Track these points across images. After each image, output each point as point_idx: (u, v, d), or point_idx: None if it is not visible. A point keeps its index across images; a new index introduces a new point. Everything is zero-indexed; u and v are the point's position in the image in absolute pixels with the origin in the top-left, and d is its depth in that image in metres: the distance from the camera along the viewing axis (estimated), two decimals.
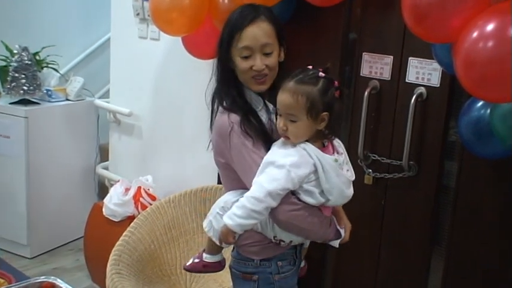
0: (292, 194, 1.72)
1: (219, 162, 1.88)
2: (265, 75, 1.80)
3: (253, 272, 1.87)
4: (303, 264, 2.04)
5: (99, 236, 3.23)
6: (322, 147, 1.73)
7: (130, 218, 3.01)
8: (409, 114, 2.23)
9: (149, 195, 3.15)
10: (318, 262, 2.68)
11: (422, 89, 2.25)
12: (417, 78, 2.26)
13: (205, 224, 1.90)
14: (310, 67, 1.72)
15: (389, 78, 2.33)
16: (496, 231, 2.14)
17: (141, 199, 3.11)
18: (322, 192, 1.73)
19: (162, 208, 2.79)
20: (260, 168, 1.70)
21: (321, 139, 1.74)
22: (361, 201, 2.47)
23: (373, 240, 2.47)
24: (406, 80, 2.29)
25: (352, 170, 1.81)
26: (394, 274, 2.45)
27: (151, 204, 3.00)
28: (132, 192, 3.14)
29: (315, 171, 1.68)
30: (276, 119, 1.74)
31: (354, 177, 1.80)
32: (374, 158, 2.41)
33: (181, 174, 3.21)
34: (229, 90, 1.84)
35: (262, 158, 1.71)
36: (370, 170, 2.41)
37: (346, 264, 2.60)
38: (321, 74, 1.69)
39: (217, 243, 1.85)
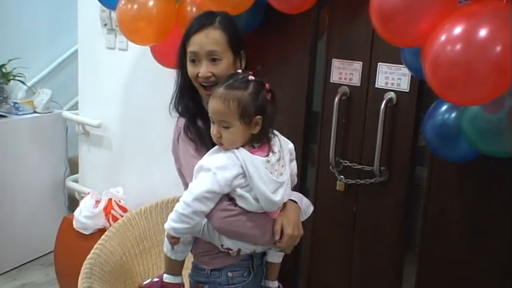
0: (229, 200, 1.71)
1: (177, 169, 1.91)
2: (212, 83, 1.79)
3: (204, 281, 1.87)
4: (276, 285, 2.01)
5: (70, 249, 3.18)
6: (253, 149, 1.71)
7: (101, 231, 2.96)
8: (379, 119, 2.23)
9: (120, 207, 3.11)
10: (290, 270, 2.67)
11: (392, 94, 2.25)
12: (386, 83, 2.27)
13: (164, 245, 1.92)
14: (240, 71, 1.74)
15: (359, 84, 2.34)
16: (466, 235, 2.15)
17: (112, 211, 3.07)
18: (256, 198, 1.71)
19: (133, 219, 2.74)
20: (194, 173, 1.71)
21: (252, 142, 1.72)
22: (334, 208, 2.47)
23: (345, 247, 2.47)
24: (376, 86, 2.29)
25: (289, 169, 1.79)
26: (367, 281, 2.44)
27: (122, 216, 2.95)
28: (102, 205, 3.10)
29: (244, 175, 1.67)
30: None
31: (285, 178, 1.74)
32: (345, 164, 2.41)
33: (152, 185, 3.17)
34: (183, 96, 1.89)
35: None
36: (342, 176, 2.40)
37: (318, 271, 2.58)
38: (251, 77, 1.68)
39: (170, 247, 1.85)
